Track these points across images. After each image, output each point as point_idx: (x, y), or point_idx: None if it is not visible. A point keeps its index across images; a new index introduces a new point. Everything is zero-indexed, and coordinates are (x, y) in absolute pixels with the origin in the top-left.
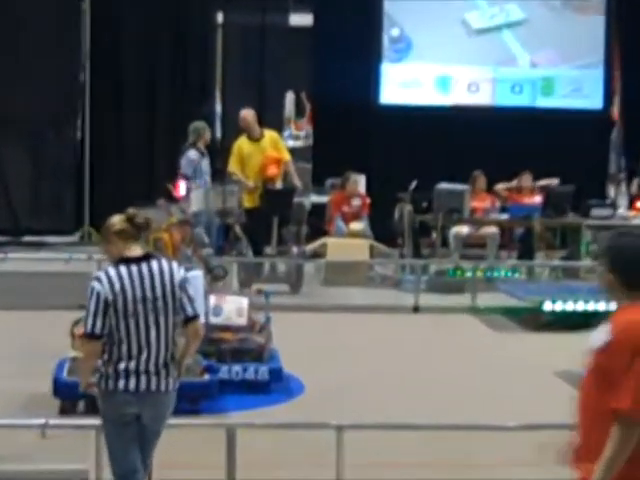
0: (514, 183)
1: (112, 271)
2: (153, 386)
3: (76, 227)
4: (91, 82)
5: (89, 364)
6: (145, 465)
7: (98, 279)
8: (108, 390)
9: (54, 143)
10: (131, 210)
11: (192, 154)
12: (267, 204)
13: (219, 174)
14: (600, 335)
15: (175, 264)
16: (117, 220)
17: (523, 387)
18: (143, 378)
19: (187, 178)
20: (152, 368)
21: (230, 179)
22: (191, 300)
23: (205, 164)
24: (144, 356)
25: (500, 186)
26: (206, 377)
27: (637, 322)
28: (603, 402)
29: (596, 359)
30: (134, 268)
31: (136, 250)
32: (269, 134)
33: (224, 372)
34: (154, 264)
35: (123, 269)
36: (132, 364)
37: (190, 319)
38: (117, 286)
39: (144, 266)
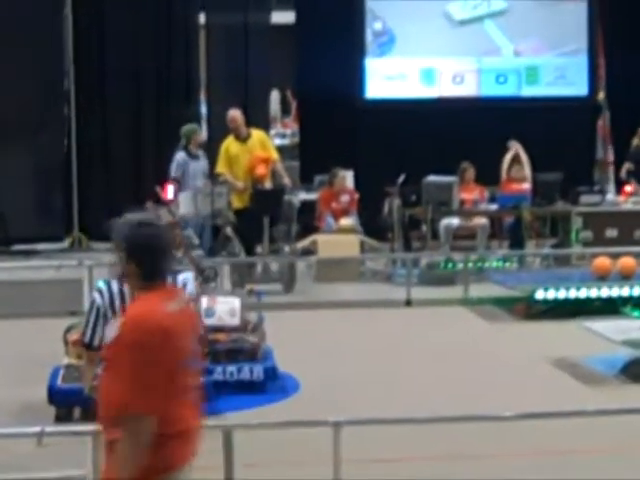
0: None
1: (115, 286)
2: None
3: (66, 233)
4: (76, 88)
5: (90, 371)
6: None
7: (100, 291)
8: None
9: (40, 150)
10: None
11: (178, 156)
12: (257, 204)
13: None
14: (114, 328)
15: (180, 282)
16: None
17: (518, 376)
18: None
19: (175, 181)
20: None
21: (218, 180)
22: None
23: (196, 166)
24: None
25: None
26: (201, 379)
27: (141, 315)
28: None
29: (108, 353)
30: None
31: None
32: (257, 134)
33: (219, 373)
34: None
35: (127, 286)
36: None
37: None
38: (117, 304)
39: None
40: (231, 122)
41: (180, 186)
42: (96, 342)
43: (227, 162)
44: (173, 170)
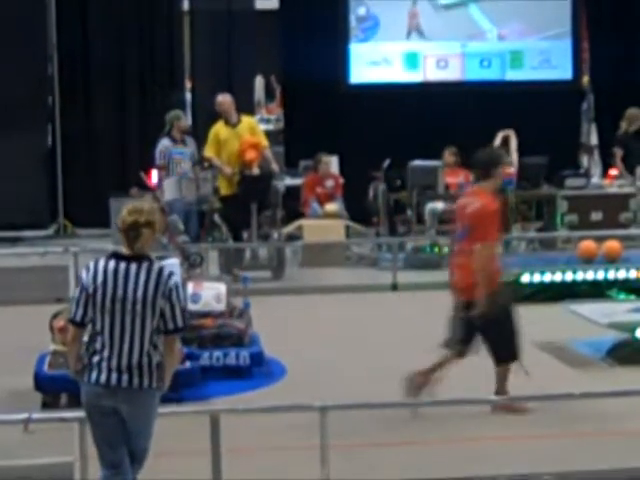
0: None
1: (101, 263)
2: (124, 382)
3: (51, 220)
4: (59, 74)
5: (72, 349)
6: (134, 459)
7: (87, 268)
8: (84, 380)
9: (25, 137)
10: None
11: (160, 144)
12: (245, 190)
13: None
14: None
15: (167, 272)
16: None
17: None
18: (114, 374)
19: (160, 168)
20: (124, 367)
21: (205, 165)
22: (175, 313)
23: (180, 151)
24: (115, 354)
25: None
26: (187, 364)
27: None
28: None
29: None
30: (122, 265)
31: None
32: (247, 120)
33: (205, 358)
34: (144, 266)
35: (112, 264)
36: (104, 359)
37: (168, 332)
38: (99, 280)
39: (133, 266)
40: (219, 106)
41: (166, 172)
42: (77, 318)
43: (216, 147)
44: (157, 157)
